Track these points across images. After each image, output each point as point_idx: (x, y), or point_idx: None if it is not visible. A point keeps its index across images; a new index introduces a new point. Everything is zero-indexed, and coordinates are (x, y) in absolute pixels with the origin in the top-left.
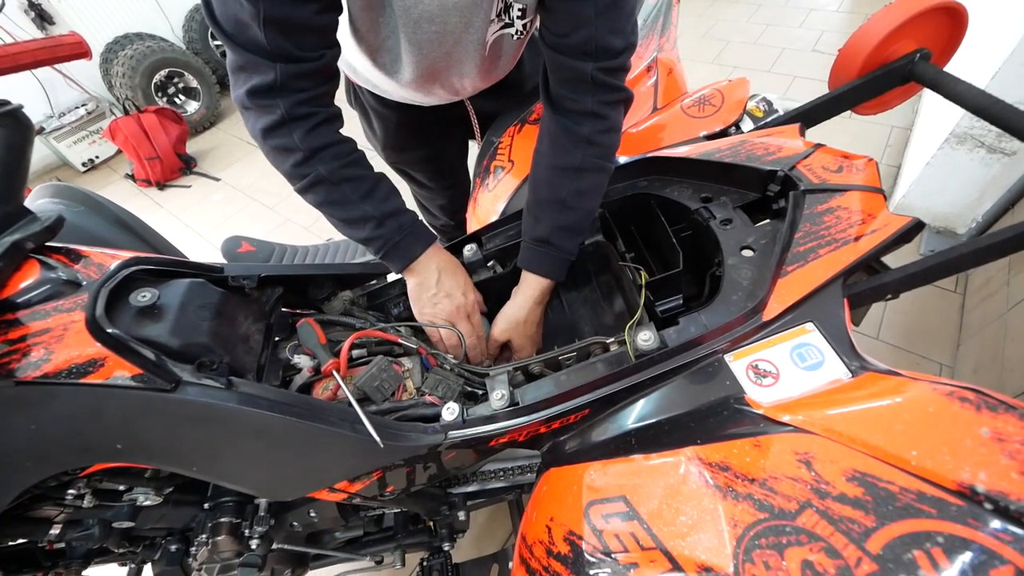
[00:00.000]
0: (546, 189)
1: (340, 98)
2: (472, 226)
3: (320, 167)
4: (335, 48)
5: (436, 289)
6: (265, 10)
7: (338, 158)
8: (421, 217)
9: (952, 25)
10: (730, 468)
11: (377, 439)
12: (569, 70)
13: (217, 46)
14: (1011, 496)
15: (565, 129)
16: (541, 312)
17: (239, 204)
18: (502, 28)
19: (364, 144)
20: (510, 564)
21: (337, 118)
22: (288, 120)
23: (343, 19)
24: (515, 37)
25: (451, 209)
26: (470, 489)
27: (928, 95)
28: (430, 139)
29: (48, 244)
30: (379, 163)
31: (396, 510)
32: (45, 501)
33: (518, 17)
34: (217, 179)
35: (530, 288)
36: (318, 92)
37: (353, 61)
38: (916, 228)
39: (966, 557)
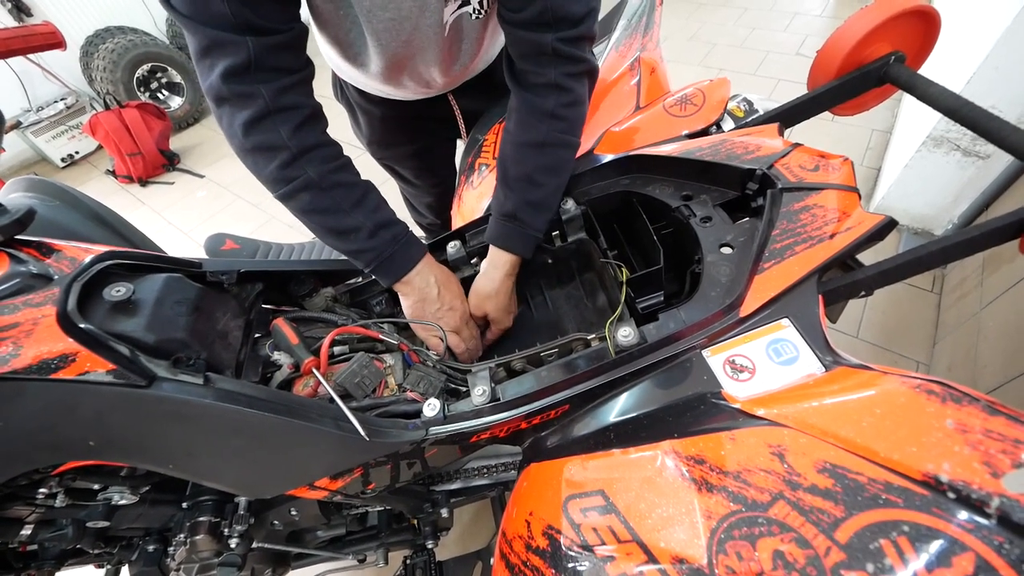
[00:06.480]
0: (513, 166)
1: (329, 93)
2: (457, 223)
3: (309, 169)
4: (303, 24)
5: (439, 303)
6: None
7: (328, 160)
8: (410, 218)
9: (925, 29)
10: (705, 461)
11: (361, 431)
12: (528, 44)
13: None
14: (973, 485)
15: (529, 104)
16: (512, 284)
17: (223, 201)
18: (460, 7)
19: (351, 140)
20: (492, 561)
21: (322, 116)
22: (273, 111)
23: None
24: (474, 16)
25: (438, 207)
26: (453, 487)
27: (908, 99)
28: (415, 135)
29: (19, 238)
30: (366, 162)
31: (379, 508)
32: (15, 501)
33: None
34: (201, 176)
35: (499, 261)
36: (298, 78)
37: (328, 55)
38: (889, 226)
39: (930, 545)
